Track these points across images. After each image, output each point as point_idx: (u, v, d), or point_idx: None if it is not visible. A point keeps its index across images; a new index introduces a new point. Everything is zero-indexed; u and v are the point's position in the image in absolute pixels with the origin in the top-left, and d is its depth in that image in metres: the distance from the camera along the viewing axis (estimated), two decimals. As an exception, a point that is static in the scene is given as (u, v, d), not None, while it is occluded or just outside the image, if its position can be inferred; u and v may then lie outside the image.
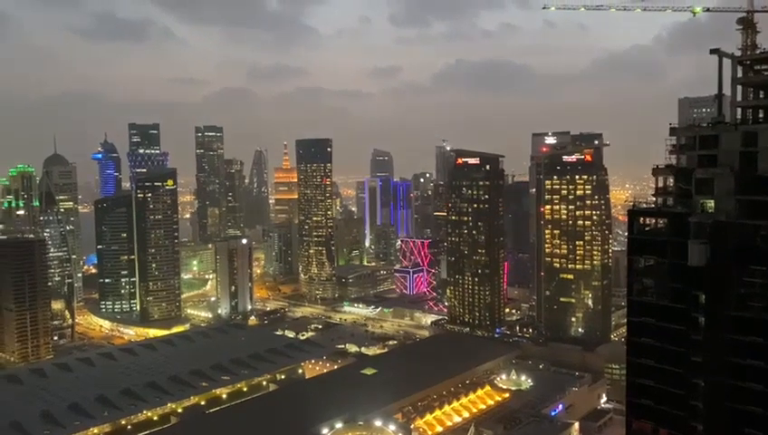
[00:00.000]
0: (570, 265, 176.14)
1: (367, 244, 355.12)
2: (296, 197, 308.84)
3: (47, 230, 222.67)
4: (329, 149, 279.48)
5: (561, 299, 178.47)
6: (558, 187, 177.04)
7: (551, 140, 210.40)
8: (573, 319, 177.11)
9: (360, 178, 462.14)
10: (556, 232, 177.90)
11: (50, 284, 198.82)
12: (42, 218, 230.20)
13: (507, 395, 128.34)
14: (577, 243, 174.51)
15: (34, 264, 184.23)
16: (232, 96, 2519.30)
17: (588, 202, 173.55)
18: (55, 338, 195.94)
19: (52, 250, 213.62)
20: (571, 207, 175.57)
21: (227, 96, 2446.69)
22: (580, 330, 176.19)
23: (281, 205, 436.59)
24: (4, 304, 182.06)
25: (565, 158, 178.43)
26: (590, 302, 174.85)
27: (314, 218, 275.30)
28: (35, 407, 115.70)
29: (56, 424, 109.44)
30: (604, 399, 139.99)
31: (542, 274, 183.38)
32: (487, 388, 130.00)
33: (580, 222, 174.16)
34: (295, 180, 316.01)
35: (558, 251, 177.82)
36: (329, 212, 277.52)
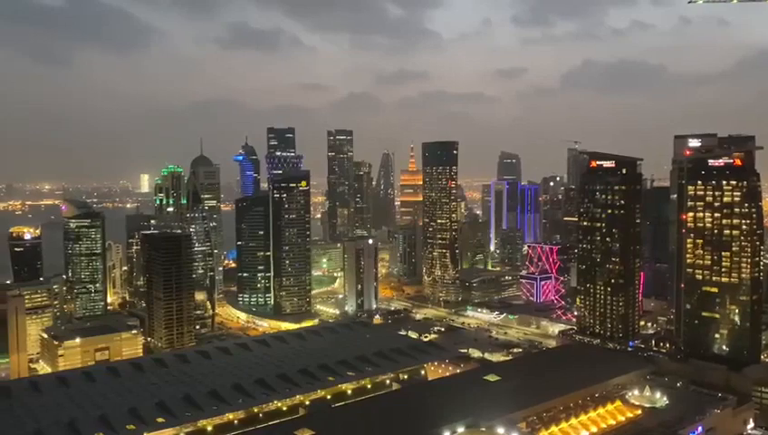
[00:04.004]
0: (714, 278, 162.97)
1: (492, 248, 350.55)
2: (421, 199, 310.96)
3: (193, 226, 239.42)
4: (455, 152, 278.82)
5: (704, 314, 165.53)
6: (702, 193, 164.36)
7: (695, 143, 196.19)
8: (717, 336, 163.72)
9: (486, 181, 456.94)
10: (699, 241, 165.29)
11: (194, 276, 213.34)
12: (188, 215, 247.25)
13: (639, 412, 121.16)
14: (723, 254, 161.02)
15: (181, 257, 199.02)
16: (358, 101, 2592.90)
17: (736, 210, 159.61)
18: (197, 327, 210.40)
19: (196, 245, 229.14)
20: (716, 214, 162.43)
21: (354, 101, 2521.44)
22: (724, 348, 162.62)
23: (406, 207, 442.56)
24: (155, 293, 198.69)
25: (711, 162, 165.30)
26: (736, 318, 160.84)
27: (439, 221, 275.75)
28: (179, 390, 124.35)
29: (197, 407, 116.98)
30: (751, 425, 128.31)
31: (683, 286, 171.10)
32: (618, 403, 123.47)
33: (726, 231, 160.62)
34: (420, 183, 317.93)
35: (701, 262, 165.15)
36: (453, 215, 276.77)
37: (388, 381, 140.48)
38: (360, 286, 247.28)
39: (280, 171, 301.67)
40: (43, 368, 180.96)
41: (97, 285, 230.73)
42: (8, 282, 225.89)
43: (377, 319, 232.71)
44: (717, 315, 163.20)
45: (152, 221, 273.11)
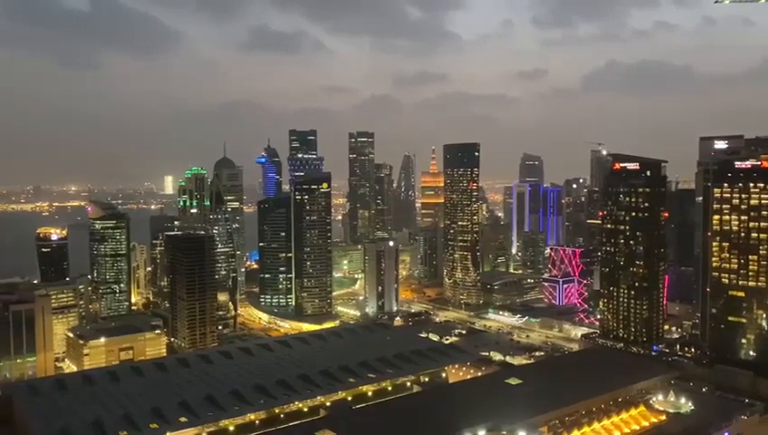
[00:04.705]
0: (740, 282, 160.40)
1: (513, 250, 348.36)
2: (442, 201, 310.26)
3: (216, 228, 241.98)
4: (476, 154, 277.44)
5: (730, 318, 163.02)
6: (729, 195, 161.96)
7: (721, 145, 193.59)
8: (743, 341, 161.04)
9: (508, 184, 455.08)
10: (725, 245, 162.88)
11: (217, 277, 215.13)
12: (211, 217, 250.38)
13: (664, 418, 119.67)
14: (750, 257, 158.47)
15: (204, 258, 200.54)
16: (379, 103, 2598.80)
17: (764, 213, 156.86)
18: (219, 327, 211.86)
19: (219, 246, 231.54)
20: (743, 217, 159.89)
21: (375, 103, 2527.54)
22: (750, 353, 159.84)
23: (427, 209, 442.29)
24: (178, 294, 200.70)
25: (738, 164, 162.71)
26: (764, 323, 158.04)
27: (460, 223, 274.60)
28: (201, 390, 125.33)
29: (219, 407, 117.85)
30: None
31: (708, 289, 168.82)
32: (641, 408, 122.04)
33: (753, 234, 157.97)
34: (442, 185, 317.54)
35: (727, 265, 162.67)
36: (475, 217, 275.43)
37: (408, 384, 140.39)
38: (380, 288, 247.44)
39: (302, 173, 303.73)
40: (69, 367, 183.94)
41: (121, 285, 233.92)
42: (35, 282, 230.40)
43: (397, 321, 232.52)
44: (744, 320, 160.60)
45: (176, 222, 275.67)
